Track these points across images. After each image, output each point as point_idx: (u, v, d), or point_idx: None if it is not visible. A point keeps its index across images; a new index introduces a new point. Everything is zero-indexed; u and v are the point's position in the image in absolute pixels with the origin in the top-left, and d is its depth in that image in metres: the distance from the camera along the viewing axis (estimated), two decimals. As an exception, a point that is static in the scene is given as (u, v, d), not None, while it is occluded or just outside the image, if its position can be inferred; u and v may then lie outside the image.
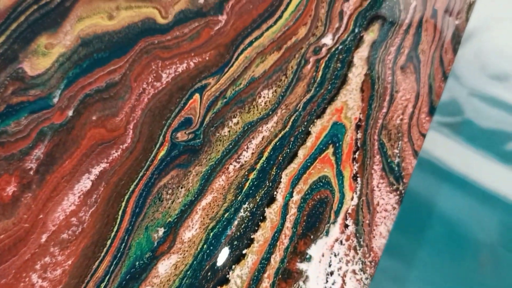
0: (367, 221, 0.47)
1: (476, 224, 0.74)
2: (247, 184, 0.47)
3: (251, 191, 0.47)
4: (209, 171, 0.47)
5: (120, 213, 0.46)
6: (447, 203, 0.75)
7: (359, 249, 0.47)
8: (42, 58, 0.49)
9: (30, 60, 0.49)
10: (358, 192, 0.47)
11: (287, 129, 0.49)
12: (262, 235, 0.46)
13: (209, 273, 0.46)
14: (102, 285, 0.45)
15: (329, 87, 0.50)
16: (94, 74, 0.48)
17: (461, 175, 0.76)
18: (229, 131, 0.48)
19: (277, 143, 0.48)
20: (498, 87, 0.80)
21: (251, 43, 0.51)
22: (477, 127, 0.78)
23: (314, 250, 0.47)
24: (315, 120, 0.49)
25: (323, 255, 0.47)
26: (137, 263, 0.45)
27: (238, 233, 0.46)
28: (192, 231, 0.46)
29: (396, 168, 0.48)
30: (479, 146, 0.77)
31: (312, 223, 0.47)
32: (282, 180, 0.47)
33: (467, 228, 0.74)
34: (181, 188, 0.47)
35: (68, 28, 0.49)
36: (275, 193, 0.47)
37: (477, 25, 0.82)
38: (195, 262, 0.46)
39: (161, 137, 0.48)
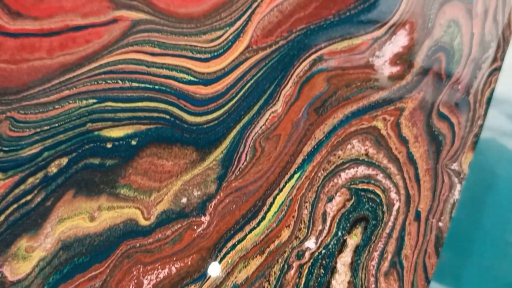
0: None
1: None
2: None
3: None
4: None
5: None
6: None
7: None
8: (22, 262, 0.48)
9: (10, 264, 0.48)
10: None
11: None
12: None
13: None
14: None
15: (312, 295, 0.50)
16: (75, 281, 0.48)
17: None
18: None
19: None
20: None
21: (234, 246, 0.50)
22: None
23: None
24: (298, 332, 0.49)
25: None
26: None
27: None
28: None
29: None
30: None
31: None
32: None
33: None
34: None
35: (49, 229, 0.49)
36: None
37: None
38: None
39: None
